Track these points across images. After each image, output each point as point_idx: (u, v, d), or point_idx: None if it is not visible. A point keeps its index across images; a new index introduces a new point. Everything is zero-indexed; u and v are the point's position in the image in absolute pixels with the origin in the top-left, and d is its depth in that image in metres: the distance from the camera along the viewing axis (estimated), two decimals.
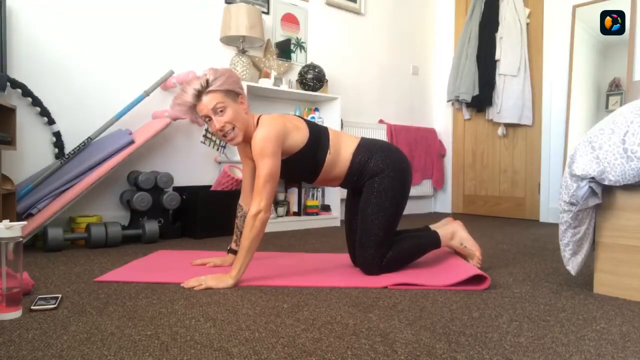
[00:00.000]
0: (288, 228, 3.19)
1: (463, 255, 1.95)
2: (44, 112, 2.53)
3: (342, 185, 1.88)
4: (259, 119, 1.73)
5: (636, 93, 3.24)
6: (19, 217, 2.25)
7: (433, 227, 2.00)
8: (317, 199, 3.55)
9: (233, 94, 1.66)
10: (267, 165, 1.60)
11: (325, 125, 3.57)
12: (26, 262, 1.98)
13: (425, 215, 4.38)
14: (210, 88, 1.61)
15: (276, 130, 1.63)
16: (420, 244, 1.84)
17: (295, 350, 1.04)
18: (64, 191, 2.35)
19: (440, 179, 4.51)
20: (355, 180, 1.82)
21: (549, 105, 3.84)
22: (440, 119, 4.70)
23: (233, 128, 1.65)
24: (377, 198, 1.75)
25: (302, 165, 1.75)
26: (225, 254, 2.05)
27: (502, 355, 1.03)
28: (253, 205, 1.60)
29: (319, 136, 1.76)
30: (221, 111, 1.63)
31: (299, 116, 1.84)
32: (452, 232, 1.91)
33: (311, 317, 1.28)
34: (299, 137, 1.71)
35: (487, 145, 4.31)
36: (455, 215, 4.33)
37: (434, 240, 1.86)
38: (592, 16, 3.57)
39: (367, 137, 3.96)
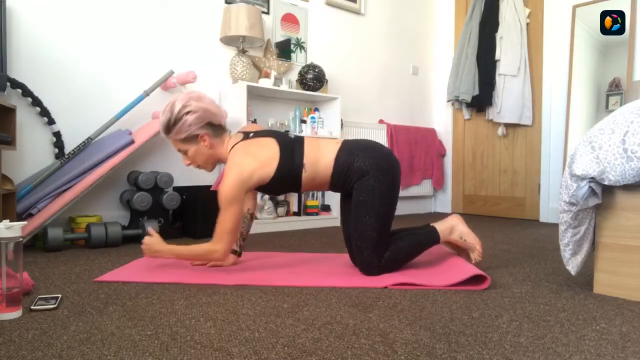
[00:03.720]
0: (288, 228, 3.19)
1: (463, 250, 1.93)
2: (44, 112, 2.53)
3: (332, 189, 1.86)
4: (235, 144, 1.79)
5: (636, 93, 3.25)
6: (19, 217, 2.25)
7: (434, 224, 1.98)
8: (317, 199, 3.55)
9: (192, 137, 1.74)
10: (228, 216, 1.66)
11: (323, 125, 3.56)
12: (26, 262, 1.98)
13: (425, 215, 4.38)
14: (169, 137, 1.75)
15: (237, 180, 1.66)
16: (419, 240, 1.81)
17: (295, 350, 1.04)
18: (64, 191, 2.35)
19: (440, 179, 4.51)
20: (342, 183, 1.79)
21: (549, 105, 3.84)
22: (440, 119, 4.70)
23: (198, 165, 1.81)
24: (366, 200, 1.73)
25: (281, 186, 1.77)
26: None
27: (502, 355, 1.03)
28: (213, 243, 1.68)
29: (291, 158, 1.74)
30: (185, 152, 1.77)
31: (272, 134, 1.80)
32: (452, 226, 1.88)
33: (311, 317, 1.28)
34: (266, 170, 1.71)
35: (487, 145, 4.31)
36: None
37: (433, 237, 1.83)
38: (592, 16, 3.57)
39: (357, 137, 3.96)
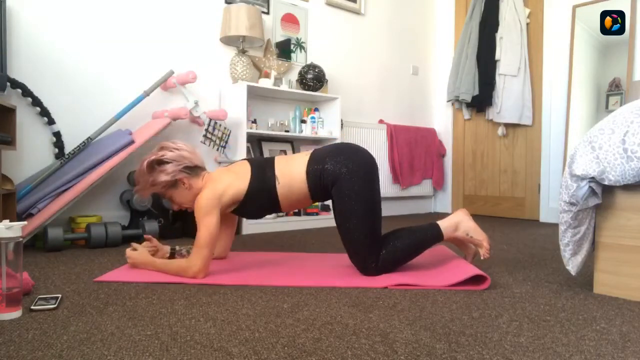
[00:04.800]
0: (288, 228, 3.19)
1: (469, 247, 1.89)
2: (44, 112, 2.53)
3: (315, 201, 1.84)
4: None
5: (636, 93, 3.25)
6: (19, 217, 2.25)
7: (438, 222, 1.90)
8: None
9: (172, 182, 1.78)
10: (203, 228, 1.68)
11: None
12: (26, 262, 1.98)
13: (425, 215, 4.38)
14: (152, 190, 1.80)
15: (211, 193, 1.71)
16: (418, 239, 1.76)
17: (295, 350, 1.04)
18: (64, 191, 2.35)
19: (440, 179, 4.51)
20: (321, 192, 1.78)
21: (549, 105, 3.84)
22: (440, 119, 4.70)
23: (187, 207, 1.84)
24: (346, 205, 1.71)
25: (258, 204, 1.78)
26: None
27: (502, 355, 1.03)
28: (189, 259, 1.69)
29: (263, 172, 1.78)
30: (170, 198, 1.82)
31: (246, 159, 1.87)
32: (457, 222, 1.82)
33: (311, 317, 1.28)
34: (238, 187, 1.75)
35: (487, 145, 4.31)
36: None
37: (435, 234, 1.78)
38: (592, 16, 3.57)
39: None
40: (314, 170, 1.76)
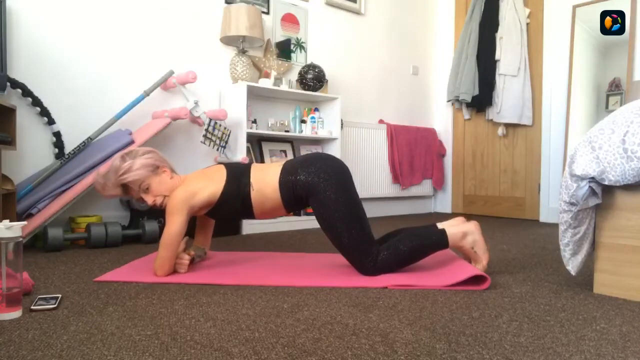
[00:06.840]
0: (288, 228, 3.19)
1: (468, 259, 1.86)
2: (44, 112, 2.53)
3: (289, 210, 1.84)
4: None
5: (636, 93, 3.25)
6: (19, 217, 2.25)
7: (441, 224, 1.87)
8: None
9: (153, 166, 1.79)
10: (168, 225, 1.70)
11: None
12: (26, 262, 1.98)
13: (425, 215, 4.38)
14: (131, 174, 1.80)
15: (183, 194, 1.73)
16: (422, 244, 1.74)
17: (295, 350, 1.04)
18: (64, 191, 2.35)
19: (440, 179, 4.51)
20: (295, 202, 1.79)
21: (549, 105, 3.84)
22: (440, 119, 4.70)
23: (163, 198, 1.80)
24: (327, 214, 1.72)
25: (231, 208, 1.80)
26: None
27: (502, 355, 1.03)
28: (156, 258, 1.74)
29: (238, 178, 1.79)
30: (146, 189, 1.79)
31: (223, 163, 1.89)
32: (465, 232, 1.78)
33: (311, 317, 1.28)
34: (211, 191, 1.77)
35: (487, 145, 4.31)
36: (455, 216, 4.33)
37: (440, 241, 1.75)
38: (592, 16, 3.57)
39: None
40: (286, 181, 1.77)
